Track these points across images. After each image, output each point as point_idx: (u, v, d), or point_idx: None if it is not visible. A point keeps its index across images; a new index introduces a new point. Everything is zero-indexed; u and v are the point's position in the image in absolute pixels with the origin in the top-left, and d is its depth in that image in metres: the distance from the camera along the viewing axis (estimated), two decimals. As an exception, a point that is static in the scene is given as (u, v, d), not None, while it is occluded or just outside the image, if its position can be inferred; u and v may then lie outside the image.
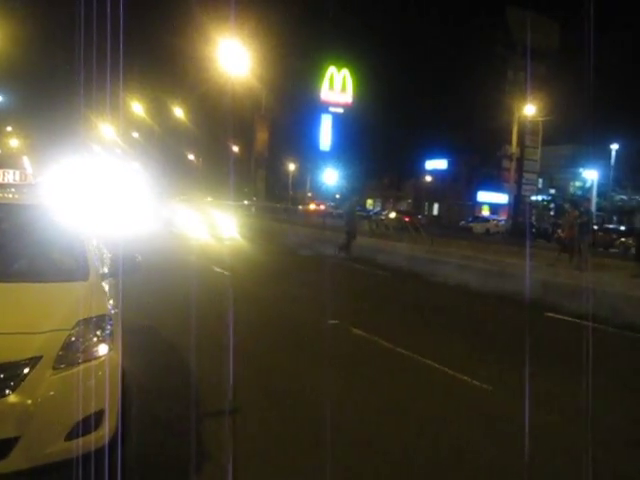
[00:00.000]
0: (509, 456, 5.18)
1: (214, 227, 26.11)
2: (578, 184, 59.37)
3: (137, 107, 62.92)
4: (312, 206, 59.94)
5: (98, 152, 64.75)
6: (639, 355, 9.52)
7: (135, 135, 70.76)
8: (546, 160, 55.67)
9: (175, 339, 8.08)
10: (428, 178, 70.91)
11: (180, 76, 65.62)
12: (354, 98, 69.91)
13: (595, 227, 34.03)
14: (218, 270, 15.32)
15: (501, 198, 61.06)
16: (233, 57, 38.01)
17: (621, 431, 5.99)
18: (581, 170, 57.66)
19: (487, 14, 61.95)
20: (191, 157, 76.06)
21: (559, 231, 24.52)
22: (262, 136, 64.15)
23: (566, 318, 11.57)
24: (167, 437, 5.12)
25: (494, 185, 63.05)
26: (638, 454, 5.51)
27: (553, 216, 55.38)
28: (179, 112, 63.62)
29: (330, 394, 6.18)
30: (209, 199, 39.22)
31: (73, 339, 3.87)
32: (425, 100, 61.07)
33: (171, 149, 70.67)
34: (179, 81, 66.06)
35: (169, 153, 70.61)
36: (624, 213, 51.51)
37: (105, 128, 64.96)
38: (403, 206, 69.48)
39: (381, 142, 63.44)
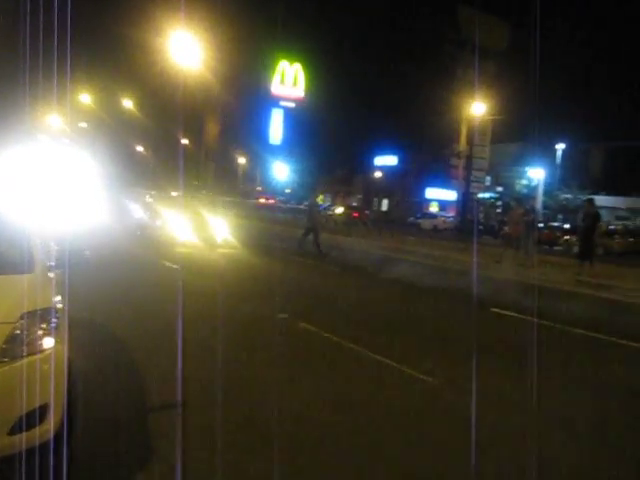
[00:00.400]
0: (456, 446, 5.28)
1: (204, 230, 21.44)
2: (524, 182, 60.24)
3: (85, 97, 61.72)
4: (261, 200, 59.90)
5: (44, 143, 63.17)
6: (581, 349, 9.74)
7: (83, 125, 69.41)
8: (493, 158, 56.24)
9: (124, 334, 7.98)
10: (378, 174, 71.11)
11: (130, 67, 64.57)
12: (306, 93, 69.99)
13: (540, 225, 34.67)
14: (171, 265, 15.20)
15: (449, 195, 61.81)
16: (184, 49, 37.54)
17: (557, 415, 6.16)
18: (527, 169, 58.56)
19: (438, 12, 62.43)
20: (140, 149, 74.97)
21: (505, 228, 24.95)
22: (212, 129, 63.79)
23: (511, 314, 11.79)
24: (114, 432, 5.07)
25: (443, 182, 63.65)
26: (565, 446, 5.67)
27: (500, 213, 56.22)
28: (128, 103, 62.69)
29: (279, 389, 6.20)
30: (174, 194, 37.32)
31: (17, 332, 3.81)
32: (376, 96, 61.46)
33: (120, 140, 69.53)
34: (129, 72, 65.01)
35: (118, 144, 69.46)
36: (569, 211, 52.44)
37: (52, 118, 63.54)
38: (353, 201, 69.56)
39: (332, 137, 63.51)
